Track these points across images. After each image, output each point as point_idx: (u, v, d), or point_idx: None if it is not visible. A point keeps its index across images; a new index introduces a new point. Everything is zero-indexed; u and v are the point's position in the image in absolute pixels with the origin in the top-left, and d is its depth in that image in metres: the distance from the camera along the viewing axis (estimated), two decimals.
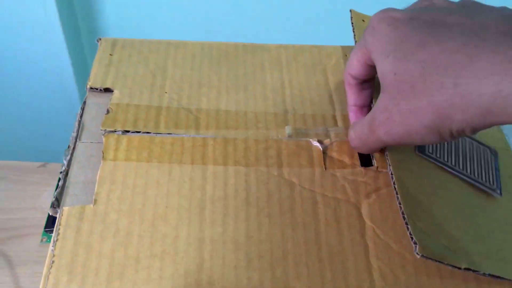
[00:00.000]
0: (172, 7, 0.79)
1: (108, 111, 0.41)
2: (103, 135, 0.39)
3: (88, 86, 0.43)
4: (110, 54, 0.46)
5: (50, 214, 0.35)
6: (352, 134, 0.39)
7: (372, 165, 0.39)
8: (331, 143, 0.40)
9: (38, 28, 0.73)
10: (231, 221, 0.36)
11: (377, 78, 0.36)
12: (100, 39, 0.48)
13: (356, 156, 0.40)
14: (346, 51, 0.50)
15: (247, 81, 0.46)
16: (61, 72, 0.80)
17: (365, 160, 0.40)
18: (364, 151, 0.39)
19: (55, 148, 0.93)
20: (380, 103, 0.34)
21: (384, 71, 0.33)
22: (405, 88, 0.31)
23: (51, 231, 0.43)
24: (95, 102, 0.43)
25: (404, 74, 0.31)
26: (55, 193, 0.36)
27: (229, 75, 0.46)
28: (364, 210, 0.37)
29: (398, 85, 0.32)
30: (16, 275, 0.47)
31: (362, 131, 0.37)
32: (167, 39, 0.49)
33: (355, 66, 0.38)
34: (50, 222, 0.43)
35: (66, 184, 0.36)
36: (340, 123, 0.43)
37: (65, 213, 0.35)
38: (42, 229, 0.51)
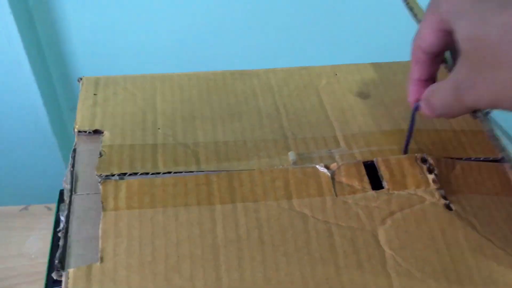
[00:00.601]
0: (147, 40, 0.77)
1: (101, 154, 0.38)
2: (99, 182, 0.36)
3: (76, 130, 0.41)
4: (94, 94, 0.44)
5: (55, 278, 0.33)
6: (435, 102, 0.35)
7: (382, 187, 0.38)
8: (338, 167, 0.39)
9: (8, 71, 0.71)
10: (247, 265, 0.34)
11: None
12: (81, 78, 0.45)
13: (366, 179, 0.38)
14: (335, 70, 0.49)
15: (240, 109, 0.44)
16: (35, 115, 0.77)
17: (375, 181, 0.39)
18: (449, 117, 0.35)
19: (35, 189, 0.89)
20: (461, 69, 0.31)
21: (461, 35, 0.29)
22: (485, 54, 0.28)
23: None
24: (85, 148, 0.40)
25: (483, 39, 0.28)
26: (58, 254, 0.33)
27: (221, 104, 0.44)
28: (381, 237, 0.36)
29: (477, 51, 0.28)
30: None
31: (446, 99, 0.33)
32: (150, 73, 0.47)
33: (427, 37, 0.34)
34: (51, 283, 0.40)
35: (68, 243, 0.34)
36: (342, 143, 0.42)
37: (71, 276, 0.32)
38: (31, 278, 0.48)
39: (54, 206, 0.56)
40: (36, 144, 0.82)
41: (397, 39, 0.80)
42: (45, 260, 0.51)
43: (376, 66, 0.51)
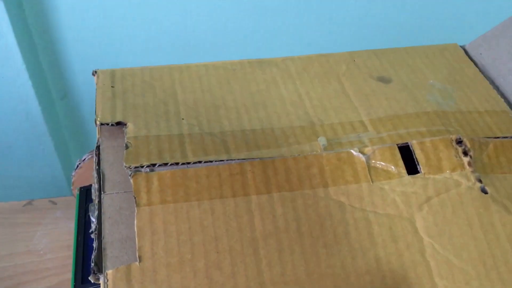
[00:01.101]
0: (144, 28, 0.74)
1: (127, 146, 0.37)
2: (130, 175, 0.35)
3: (97, 122, 0.39)
4: (112, 86, 0.42)
5: (93, 281, 0.31)
6: None
7: (418, 172, 0.38)
8: (373, 152, 0.38)
9: None
10: (288, 258, 0.32)
11: None
12: (95, 71, 0.43)
13: (401, 163, 0.37)
14: (353, 56, 0.48)
15: (263, 98, 0.43)
16: (26, 104, 0.74)
17: (409, 165, 0.38)
18: None
19: (36, 182, 0.87)
20: None
21: None
22: None
23: None
24: (109, 145, 0.38)
25: None
26: (93, 257, 0.31)
27: (243, 93, 0.43)
28: (419, 224, 0.35)
29: None
30: None
31: None
32: (167, 64, 0.45)
33: None
34: (79, 283, 0.38)
35: (102, 244, 0.32)
36: (370, 127, 0.41)
37: (110, 278, 0.31)
38: (41, 274, 0.46)
39: (58, 200, 0.55)
40: (29, 135, 0.79)
41: (410, 23, 0.80)
42: (54, 255, 0.49)
43: (393, 51, 0.50)
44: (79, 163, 0.47)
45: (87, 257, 0.40)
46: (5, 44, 0.67)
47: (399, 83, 0.46)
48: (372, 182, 0.36)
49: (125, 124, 0.38)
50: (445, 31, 0.78)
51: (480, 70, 0.48)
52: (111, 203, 0.34)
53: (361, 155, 0.37)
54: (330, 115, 0.42)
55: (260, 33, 0.77)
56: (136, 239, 0.32)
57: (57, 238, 0.50)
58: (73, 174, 0.47)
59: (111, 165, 0.37)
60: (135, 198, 0.33)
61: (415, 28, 0.79)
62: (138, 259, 0.31)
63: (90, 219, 0.35)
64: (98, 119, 0.39)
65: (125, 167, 0.35)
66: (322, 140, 0.38)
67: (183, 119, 0.40)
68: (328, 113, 0.42)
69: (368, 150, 0.38)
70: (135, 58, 0.77)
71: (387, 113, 0.42)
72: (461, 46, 0.51)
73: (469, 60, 0.49)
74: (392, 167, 0.37)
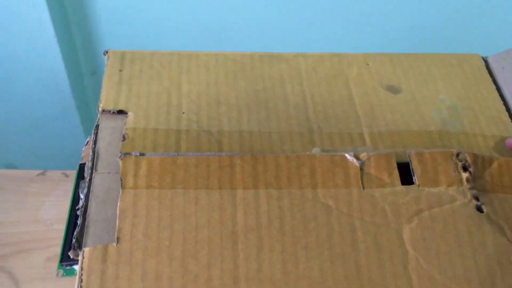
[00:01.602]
0: (174, 14, 0.74)
1: (124, 138, 0.37)
2: (119, 157, 0.36)
3: (100, 109, 0.40)
4: (120, 70, 0.43)
5: (71, 256, 0.32)
6: None
7: (413, 183, 0.37)
8: (369, 158, 0.37)
9: (31, 32, 0.70)
10: (266, 256, 0.33)
11: None
12: (107, 52, 0.44)
13: (396, 173, 0.37)
14: (367, 59, 0.47)
15: (267, 97, 0.43)
16: (55, 77, 0.76)
17: (405, 176, 0.37)
18: None
19: (53, 155, 0.89)
20: None
21: None
22: None
23: (68, 265, 0.40)
24: (108, 126, 0.39)
25: None
26: (75, 233, 0.32)
27: (248, 90, 0.43)
28: (406, 236, 0.34)
29: None
30: None
31: None
32: (178, 51, 0.45)
33: None
34: (66, 255, 0.40)
35: (86, 222, 0.33)
36: (368, 141, 0.40)
37: (86, 255, 0.31)
38: (46, 243, 0.48)
39: (71, 173, 0.56)
40: (55, 108, 0.82)
41: (436, 28, 0.78)
42: (60, 226, 0.51)
43: (410, 57, 0.49)
44: (89, 140, 0.49)
45: None
46: (38, 17, 0.69)
47: (408, 94, 0.45)
48: (363, 188, 0.36)
49: (126, 113, 0.39)
50: (471, 39, 0.76)
51: (499, 86, 0.47)
52: (101, 183, 0.35)
53: (355, 160, 0.37)
54: (330, 123, 0.41)
55: (285, 26, 0.77)
56: (117, 220, 0.33)
57: (65, 210, 0.51)
58: (82, 150, 0.49)
59: (107, 145, 0.38)
60: (121, 180, 0.34)
61: (441, 34, 0.77)
62: (116, 240, 0.32)
63: (79, 195, 0.35)
64: (101, 105, 0.40)
65: (118, 157, 0.36)
66: (316, 151, 0.38)
67: (183, 113, 0.40)
68: (330, 121, 0.41)
69: (363, 155, 0.37)
70: (162, 40, 0.78)
71: (388, 128, 0.42)
72: (483, 58, 0.49)
73: (488, 74, 0.48)
74: (386, 175, 0.37)
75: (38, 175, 0.55)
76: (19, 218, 0.50)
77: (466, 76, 0.47)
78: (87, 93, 0.86)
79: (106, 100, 0.40)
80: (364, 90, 0.45)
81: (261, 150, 0.38)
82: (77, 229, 0.33)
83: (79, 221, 0.33)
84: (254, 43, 0.77)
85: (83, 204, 0.34)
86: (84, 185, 0.35)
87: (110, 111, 0.40)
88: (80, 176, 0.40)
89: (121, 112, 0.40)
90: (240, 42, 0.77)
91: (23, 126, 0.86)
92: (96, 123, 0.39)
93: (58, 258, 0.46)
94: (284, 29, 0.77)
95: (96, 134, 0.38)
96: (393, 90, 0.45)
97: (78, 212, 0.34)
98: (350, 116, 0.42)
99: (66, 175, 0.56)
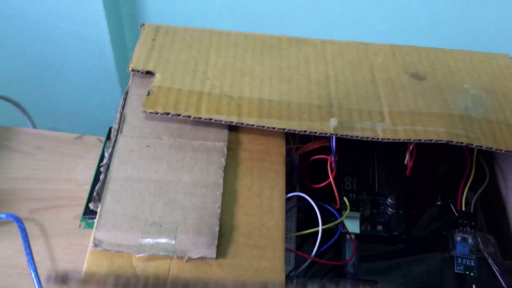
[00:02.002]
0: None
1: (149, 93, 0.40)
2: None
3: (130, 68, 0.42)
4: (153, 39, 0.45)
5: (91, 208, 0.35)
6: None
7: None
8: None
9: (81, 3, 0.73)
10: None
11: None
12: (143, 24, 0.47)
13: None
14: (394, 50, 0.48)
15: (290, 74, 0.44)
16: (101, 49, 0.79)
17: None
18: None
19: (91, 121, 0.93)
20: None
21: None
22: None
23: (89, 218, 0.43)
24: (137, 93, 0.42)
25: None
26: (97, 187, 0.35)
27: (273, 66, 0.45)
28: None
29: None
30: (51, 245, 0.47)
31: None
32: (210, 28, 0.48)
33: None
34: (89, 209, 0.43)
35: (107, 179, 0.36)
36: (387, 119, 0.41)
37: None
38: (76, 202, 0.51)
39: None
40: (99, 78, 0.85)
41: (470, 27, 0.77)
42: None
43: (439, 51, 0.49)
44: None
45: None
46: (96, 21, 0.73)
47: (433, 82, 0.45)
48: None
49: (154, 74, 0.42)
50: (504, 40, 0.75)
51: None
52: (125, 144, 0.38)
53: None
54: (351, 100, 0.42)
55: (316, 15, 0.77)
56: None
57: None
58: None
59: (134, 111, 0.40)
60: None
61: (474, 33, 0.76)
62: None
63: (104, 154, 0.38)
64: (131, 66, 0.42)
65: (141, 111, 0.38)
66: (333, 121, 0.40)
67: (208, 79, 0.42)
68: (350, 98, 0.43)
69: None
70: (205, 22, 0.80)
71: (409, 108, 0.42)
72: None
73: None
74: None
75: (75, 138, 0.58)
76: (55, 176, 0.53)
77: (494, 71, 0.48)
78: None
79: (137, 62, 0.43)
80: (388, 75, 0.45)
81: (278, 116, 0.40)
82: (98, 184, 0.35)
83: (101, 177, 0.36)
84: (283, 28, 0.78)
85: (107, 162, 0.37)
86: (109, 145, 0.38)
87: (139, 71, 0.42)
88: (108, 137, 0.43)
89: (149, 73, 0.42)
90: (269, 27, 0.78)
91: (67, 93, 0.90)
92: (126, 90, 0.42)
93: None
94: (313, 18, 0.78)
95: (125, 99, 0.41)
96: (418, 77, 0.46)
97: (101, 169, 0.37)
98: (372, 96, 0.43)
99: (101, 141, 0.59)
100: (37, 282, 0.41)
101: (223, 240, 0.35)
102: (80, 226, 0.46)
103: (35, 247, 0.45)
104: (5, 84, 0.88)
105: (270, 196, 0.38)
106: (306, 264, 0.39)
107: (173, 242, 0.34)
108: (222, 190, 0.37)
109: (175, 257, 0.34)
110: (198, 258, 0.34)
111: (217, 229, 0.35)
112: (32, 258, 0.42)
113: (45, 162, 0.54)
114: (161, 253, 0.33)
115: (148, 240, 0.34)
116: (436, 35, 0.77)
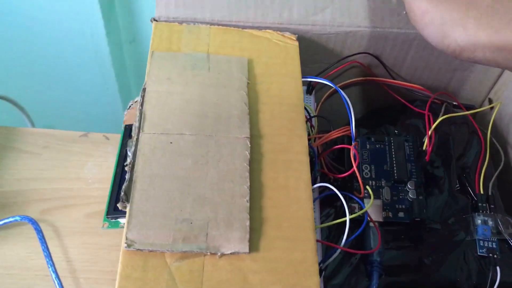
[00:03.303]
0: None
1: None
2: None
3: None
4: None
5: (120, 208, 0.35)
6: None
7: None
8: None
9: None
10: None
11: None
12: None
13: None
14: None
15: None
16: (95, 43, 0.78)
17: None
18: None
19: (94, 118, 0.92)
20: None
21: None
22: None
23: (113, 218, 0.42)
24: (154, 90, 0.41)
25: None
26: (124, 187, 0.35)
27: None
28: None
29: None
30: (65, 246, 0.46)
31: None
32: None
33: None
34: (112, 209, 0.42)
35: (133, 178, 0.36)
36: None
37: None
38: (87, 200, 0.50)
39: (112, 136, 0.58)
40: (95, 73, 0.84)
41: None
42: (100, 185, 0.53)
43: None
44: (131, 104, 0.51)
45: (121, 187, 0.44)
46: (93, 18, 0.71)
47: None
48: None
49: None
50: None
51: None
52: (148, 142, 0.38)
53: None
54: None
55: None
56: None
57: (106, 171, 0.53)
58: (125, 113, 0.51)
59: (153, 108, 0.40)
60: None
61: None
62: None
63: (127, 153, 0.38)
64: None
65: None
66: None
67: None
68: None
69: None
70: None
71: None
72: None
73: None
74: None
75: (80, 136, 0.57)
76: (63, 175, 0.52)
77: None
78: (125, 60, 0.87)
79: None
80: None
81: None
82: (125, 184, 0.35)
83: (127, 176, 0.35)
84: None
85: (131, 161, 0.36)
86: (131, 143, 0.37)
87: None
88: (126, 136, 0.42)
89: None
90: None
91: (62, 89, 0.88)
92: (142, 87, 0.41)
93: (96, 215, 0.48)
94: None
95: (143, 97, 0.40)
96: None
97: (126, 168, 0.36)
98: None
99: (107, 138, 0.58)
100: (58, 284, 0.40)
101: (254, 234, 0.35)
102: (103, 226, 0.45)
103: (50, 248, 0.44)
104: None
105: (297, 187, 0.37)
106: (336, 254, 0.39)
107: (205, 238, 0.33)
108: (249, 184, 0.36)
109: (209, 253, 0.33)
110: (231, 254, 0.33)
111: (247, 223, 0.34)
112: (51, 260, 0.42)
113: (52, 161, 0.53)
114: (194, 250, 0.33)
115: (181, 238, 0.33)
116: None
